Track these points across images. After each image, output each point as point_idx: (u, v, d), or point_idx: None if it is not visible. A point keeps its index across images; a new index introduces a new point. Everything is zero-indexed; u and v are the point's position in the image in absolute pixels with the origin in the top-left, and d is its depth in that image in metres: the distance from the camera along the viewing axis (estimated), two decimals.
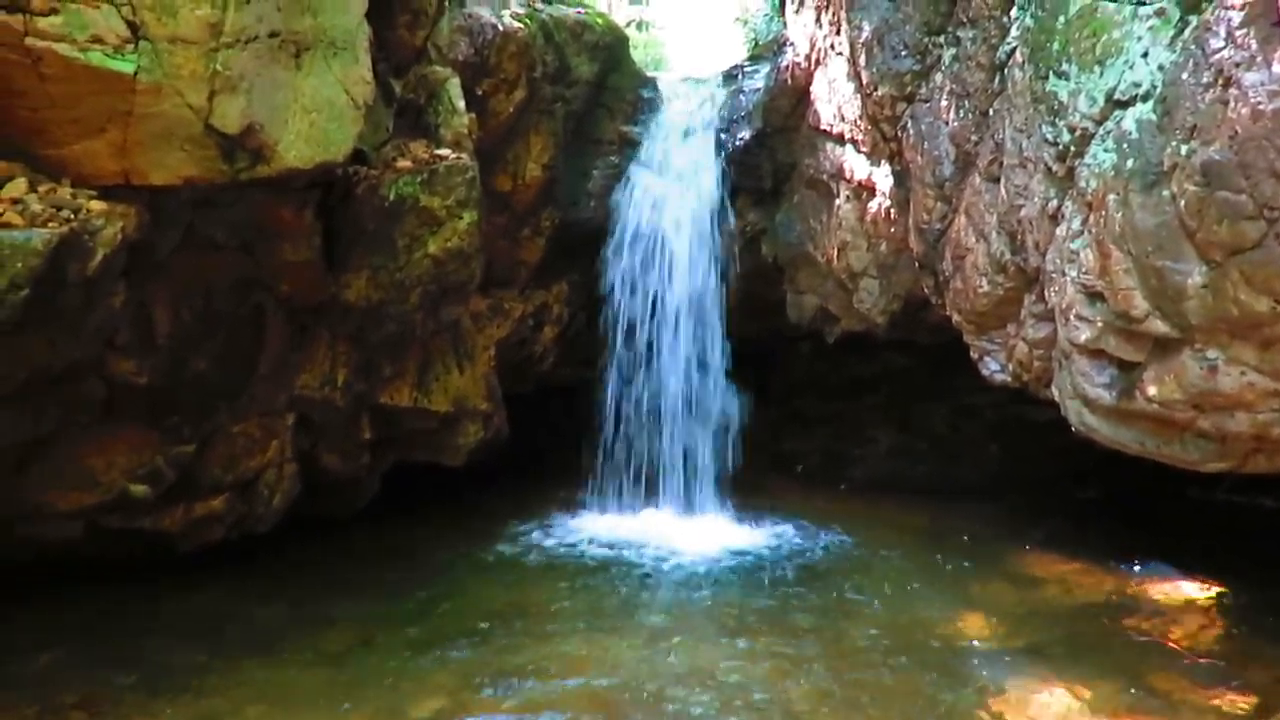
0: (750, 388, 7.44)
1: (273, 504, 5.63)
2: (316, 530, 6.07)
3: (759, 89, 7.24)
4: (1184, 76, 3.55)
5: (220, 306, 5.00)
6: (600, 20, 7.43)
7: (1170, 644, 4.78)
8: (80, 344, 4.28)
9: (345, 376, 5.69)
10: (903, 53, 5.46)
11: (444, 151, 5.56)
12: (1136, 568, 5.74)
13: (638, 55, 8.84)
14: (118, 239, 4.03)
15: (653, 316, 7.12)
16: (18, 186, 3.88)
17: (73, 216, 3.89)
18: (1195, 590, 5.44)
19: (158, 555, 5.40)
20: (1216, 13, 3.46)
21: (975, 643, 4.83)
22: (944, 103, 5.21)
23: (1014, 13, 4.67)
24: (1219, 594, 5.38)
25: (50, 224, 3.80)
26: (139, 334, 4.67)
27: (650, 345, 7.15)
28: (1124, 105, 3.88)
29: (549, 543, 6.32)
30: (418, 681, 4.37)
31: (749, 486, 7.26)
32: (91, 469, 4.84)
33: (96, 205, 3.99)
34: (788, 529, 6.59)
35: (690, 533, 6.53)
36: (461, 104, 5.80)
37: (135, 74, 3.87)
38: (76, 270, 3.91)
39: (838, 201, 6.55)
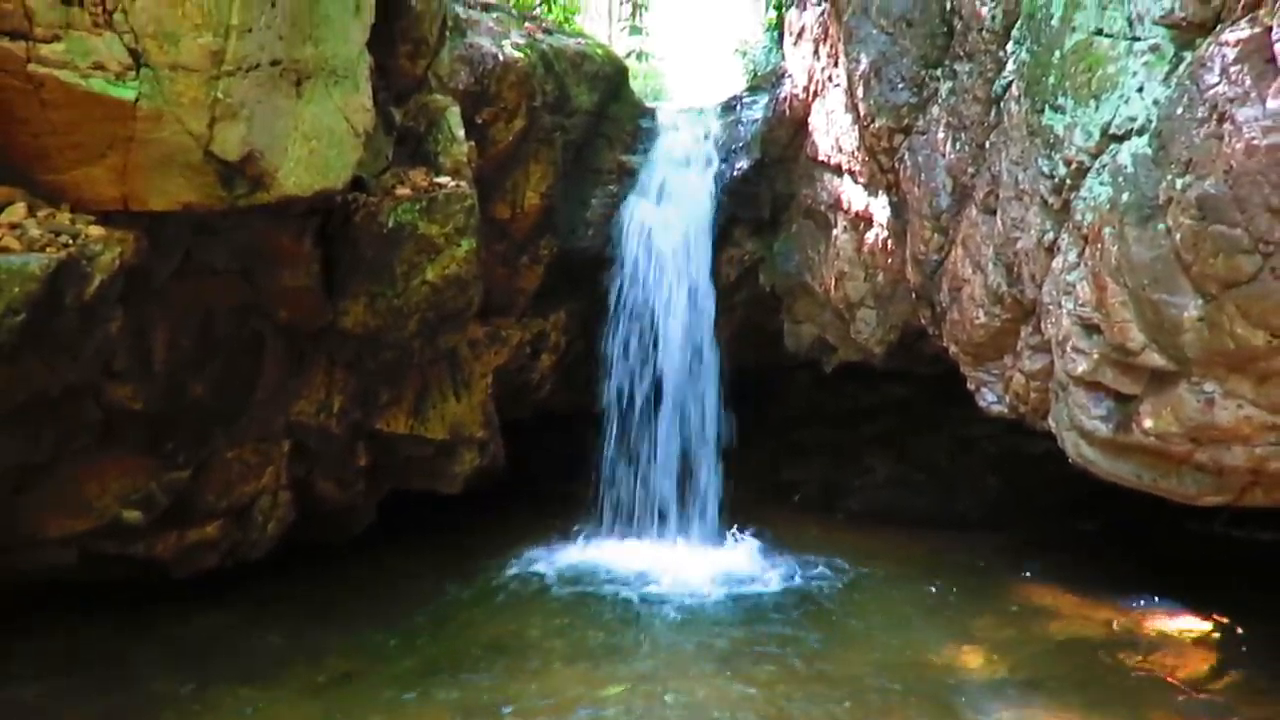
0: (748, 417, 7.43)
1: (267, 531, 5.60)
2: (311, 557, 6.03)
3: (757, 120, 7.28)
4: (1179, 111, 3.57)
5: (218, 332, 5.01)
6: (600, 51, 7.49)
7: (1168, 679, 4.75)
8: (77, 369, 4.28)
9: (342, 403, 5.68)
10: (900, 85, 5.50)
11: (443, 179, 5.58)
12: (1135, 601, 5.71)
13: (637, 85, 8.91)
14: (115, 264, 4.04)
15: (650, 345, 7.12)
16: (16, 211, 3.88)
17: (71, 242, 3.89)
18: (1193, 624, 5.41)
19: (151, 582, 5.37)
20: (1211, 49, 3.49)
21: (973, 675, 4.80)
22: (941, 135, 5.24)
23: (1010, 47, 4.71)
24: (1217, 628, 5.35)
25: (48, 249, 3.81)
26: (136, 359, 4.67)
27: (648, 373, 7.14)
28: (1119, 139, 3.90)
29: (545, 572, 6.28)
30: (408, 715, 4.33)
31: (746, 516, 7.22)
32: (86, 494, 4.83)
33: (95, 230, 4.00)
34: (785, 559, 6.54)
35: (687, 562, 6.49)
36: (461, 132, 5.83)
37: (136, 100, 3.89)
38: (74, 295, 3.91)
39: (835, 232, 6.57)
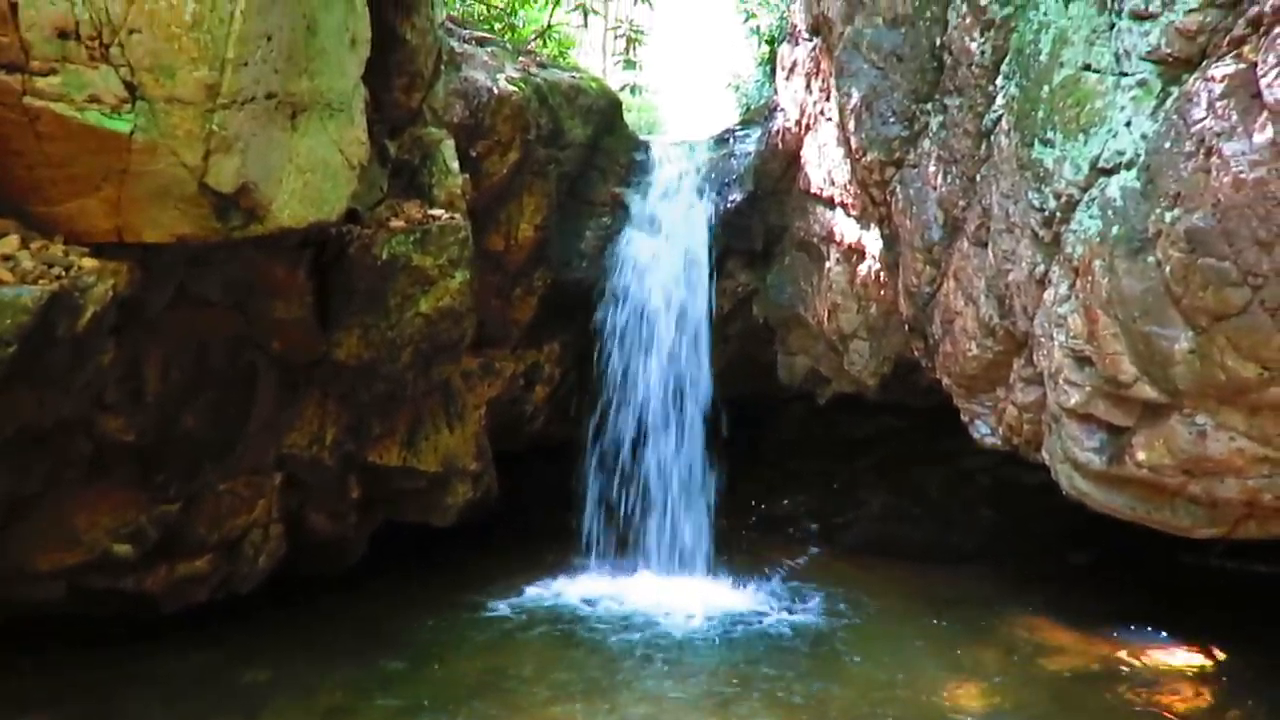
0: (742, 448, 7.41)
1: (258, 564, 5.56)
2: (301, 590, 5.99)
3: (750, 153, 7.33)
4: (1166, 145, 3.61)
5: (211, 364, 5.00)
6: (594, 84, 7.55)
7: (1165, 713, 4.72)
8: (69, 401, 4.26)
9: (334, 435, 5.66)
10: (891, 119, 5.54)
11: (437, 211, 5.60)
12: (1133, 635, 5.69)
13: (631, 119, 8.97)
14: (108, 296, 4.03)
15: (643, 376, 7.11)
16: (10, 243, 3.88)
17: (64, 273, 3.89)
18: (1190, 657, 5.39)
19: (140, 616, 5.32)
20: (1197, 84, 3.53)
21: (973, 711, 4.76)
22: (932, 168, 5.28)
23: (999, 81, 4.75)
24: (1216, 662, 5.33)
25: (41, 281, 3.80)
26: (128, 391, 4.65)
27: (641, 405, 7.14)
28: (1108, 173, 3.93)
29: (536, 605, 6.24)
30: None
31: (740, 548, 7.20)
32: (75, 528, 4.79)
33: (88, 262, 4.00)
34: (780, 591, 6.52)
35: (681, 595, 6.45)
36: (455, 165, 5.86)
37: (131, 133, 3.89)
38: (66, 327, 3.90)
39: (828, 264, 6.60)
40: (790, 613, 6.15)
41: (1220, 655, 5.38)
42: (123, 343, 4.40)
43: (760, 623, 5.98)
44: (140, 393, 4.70)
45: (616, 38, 13.33)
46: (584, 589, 6.57)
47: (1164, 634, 5.67)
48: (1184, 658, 5.39)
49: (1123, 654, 5.45)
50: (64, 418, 4.31)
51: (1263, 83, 3.26)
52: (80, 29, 3.75)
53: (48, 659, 5.05)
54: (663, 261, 7.17)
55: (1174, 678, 5.15)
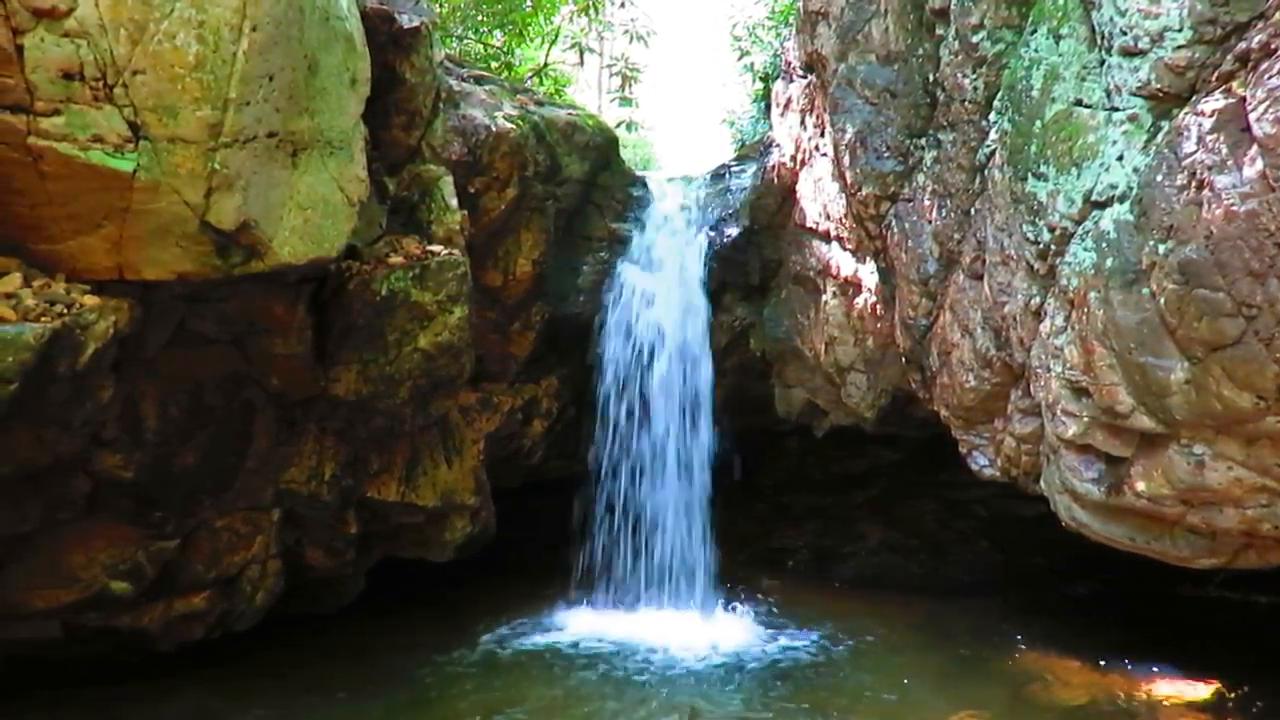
0: (739, 482, 7.41)
1: (255, 601, 5.53)
2: (298, 627, 5.94)
3: (746, 188, 7.39)
4: (1158, 179, 3.65)
5: (209, 401, 5.00)
6: (591, 121, 7.61)
7: None
8: (67, 438, 4.26)
9: (332, 470, 5.65)
10: (885, 154, 5.60)
11: (436, 248, 5.63)
12: (1132, 667, 5.66)
13: (627, 155, 9.04)
14: (109, 333, 4.05)
15: (641, 410, 7.12)
16: (12, 281, 3.91)
17: (66, 311, 3.92)
18: (1189, 689, 5.36)
19: (136, 655, 5.28)
20: (1187, 118, 3.58)
21: None
22: (926, 202, 5.33)
23: (992, 116, 4.82)
24: (1213, 693, 5.30)
25: (43, 318, 3.83)
26: (126, 428, 4.65)
27: (639, 439, 7.14)
28: (1101, 206, 3.98)
29: (534, 643, 6.20)
30: None
31: (739, 584, 7.17)
32: (71, 565, 4.77)
33: (90, 300, 4.03)
34: (779, 628, 6.48)
35: (679, 631, 6.42)
36: (454, 201, 5.90)
37: (134, 172, 3.94)
38: (67, 364, 3.92)
39: (824, 297, 6.64)
40: (788, 647, 6.12)
41: (1219, 687, 5.35)
42: (122, 379, 4.41)
43: (758, 657, 5.95)
44: (139, 429, 4.70)
45: (612, 75, 13.48)
46: (582, 624, 6.54)
47: (1164, 666, 5.65)
48: (1184, 689, 5.36)
49: (1122, 686, 5.43)
50: (62, 455, 4.30)
51: (1252, 116, 3.31)
52: (85, 70, 3.80)
53: (42, 702, 5.00)
54: (660, 296, 7.20)
55: (1175, 710, 5.12)
